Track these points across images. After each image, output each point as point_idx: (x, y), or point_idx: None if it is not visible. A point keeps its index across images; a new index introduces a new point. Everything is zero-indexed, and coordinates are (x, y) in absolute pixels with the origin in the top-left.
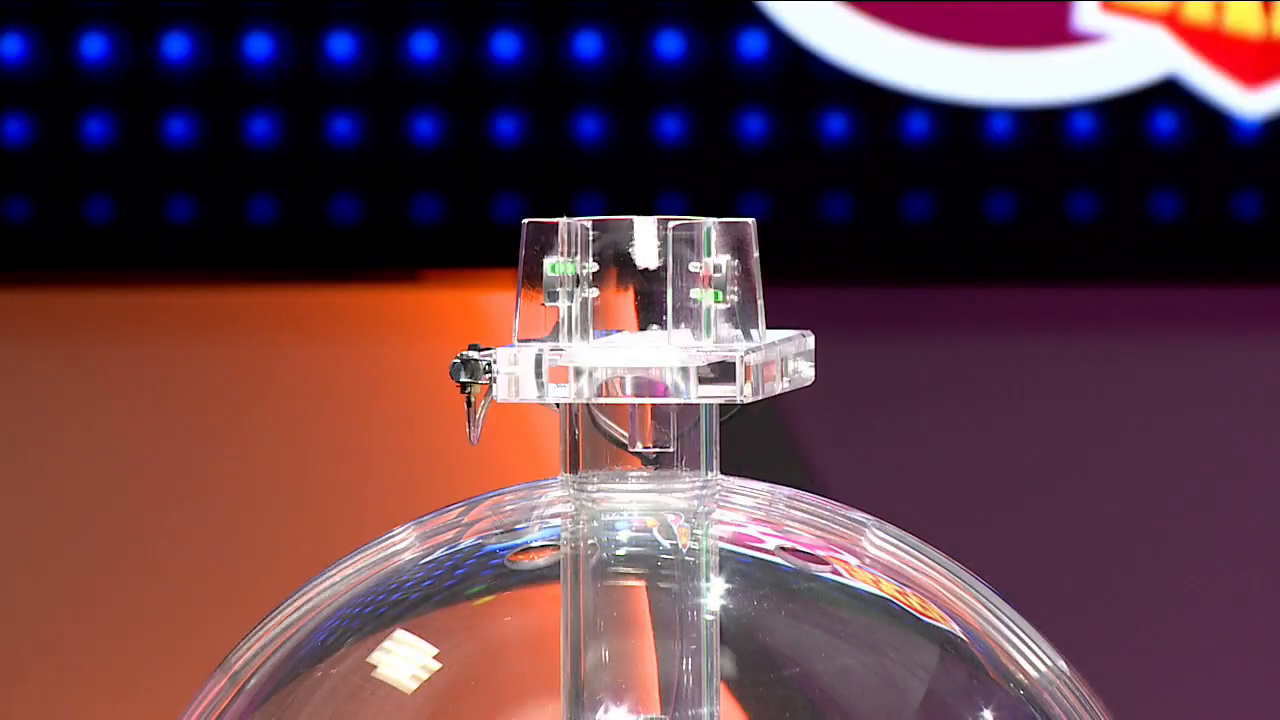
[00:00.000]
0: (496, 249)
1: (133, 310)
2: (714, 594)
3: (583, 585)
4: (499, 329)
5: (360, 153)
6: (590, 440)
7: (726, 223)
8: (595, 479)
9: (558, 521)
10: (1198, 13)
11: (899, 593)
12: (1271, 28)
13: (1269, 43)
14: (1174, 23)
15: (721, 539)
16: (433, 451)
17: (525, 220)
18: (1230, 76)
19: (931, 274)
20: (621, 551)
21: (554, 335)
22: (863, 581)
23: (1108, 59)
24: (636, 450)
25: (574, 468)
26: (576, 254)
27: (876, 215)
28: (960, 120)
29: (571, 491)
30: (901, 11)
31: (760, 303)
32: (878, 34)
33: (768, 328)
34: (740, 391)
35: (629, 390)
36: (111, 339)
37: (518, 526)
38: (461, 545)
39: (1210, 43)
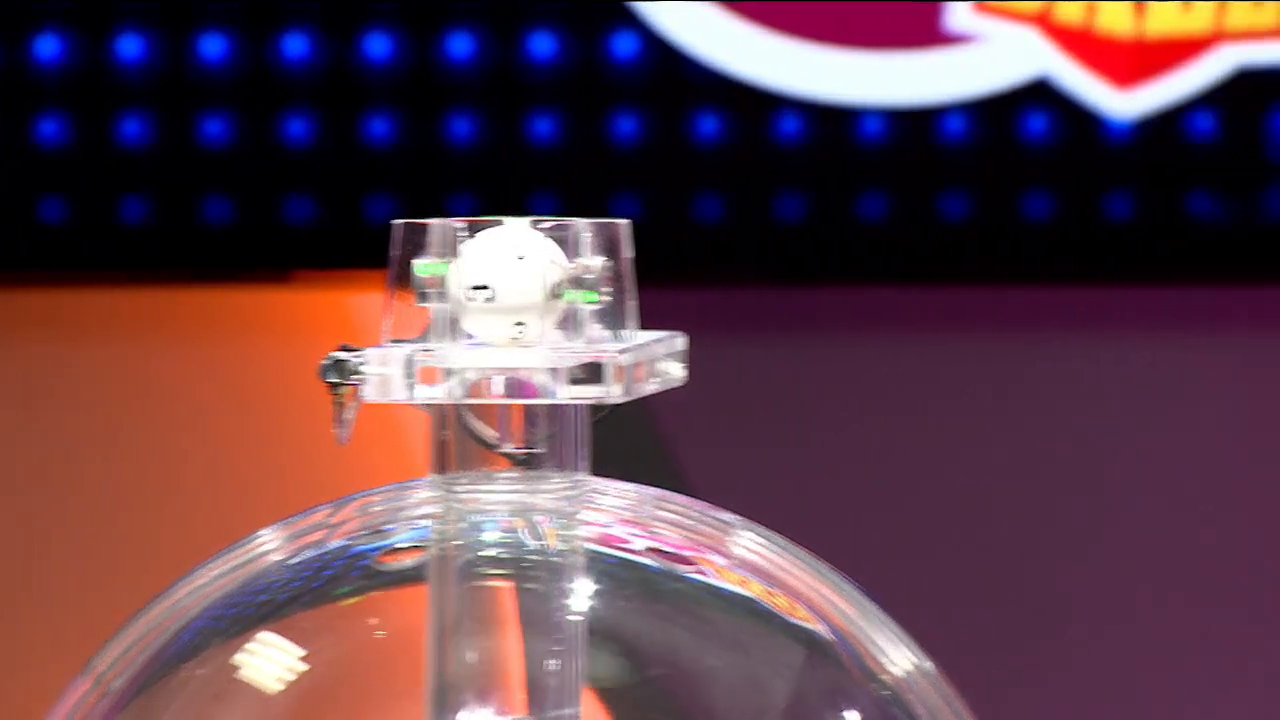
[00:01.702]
0: (368, 250)
1: (1, 312)
2: (580, 595)
3: (449, 586)
4: (371, 330)
5: (232, 153)
6: (460, 441)
7: (599, 223)
8: (464, 480)
9: (426, 522)
10: (1069, 13)
11: (766, 593)
12: (1142, 28)
13: (1140, 43)
14: (1045, 23)
15: (589, 540)
16: (303, 452)
17: (396, 221)
18: (1102, 77)
19: (804, 275)
20: (488, 552)
21: (425, 336)
22: (730, 582)
23: (979, 60)
24: (505, 451)
25: (443, 469)
26: (448, 255)
27: (749, 216)
28: (832, 121)
29: (440, 492)
30: (773, 12)
31: (632, 304)
32: (749, 35)
33: (641, 329)
34: (610, 392)
35: (498, 391)
36: None
37: (386, 528)
38: (329, 546)
39: (1081, 43)
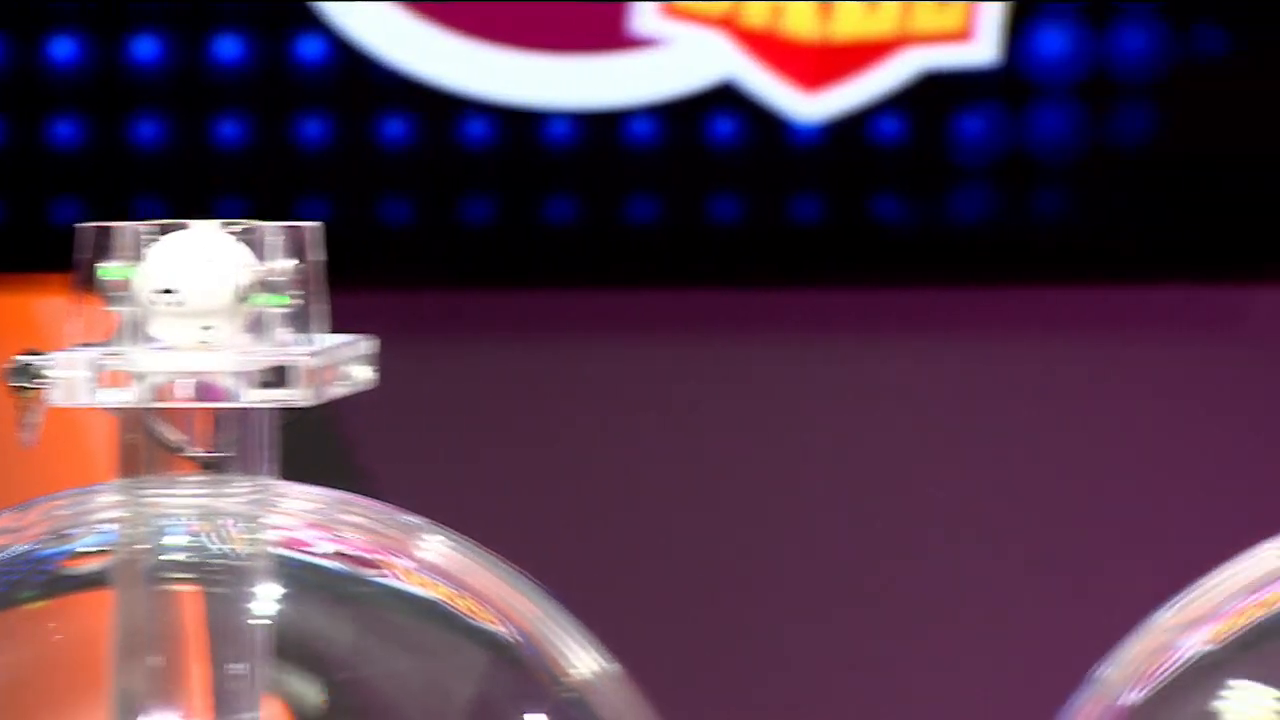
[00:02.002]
0: (54, 253)
1: None
2: (265, 599)
3: (134, 590)
4: (58, 334)
5: None
6: (147, 445)
7: (288, 227)
8: (150, 484)
9: (111, 527)
10: (754, 16)
11: (452, 596)
12: (828, 31)
13: (825, 46)
14: (731, 26)
15: (274, 543)
16: None
17: (81, 224)
18: (788, 80)
19: (493, 278)
20: (173, 556)
21: (112, 340)
22: (415, 585)
23: (666, 63)
24: (192, 455)
25: (130, 472)
26: (134, 258)
27: (437, 219)
28: (520, 124)
29: (126, 496)
30: (459, 15)
31: (321, 307)
32: (436, 38)
33: (333, 332)
34: (298, 395)
35: (185, 395)
36: None
37: (70, 532)
38: (13, 551)
39: (767, 46)
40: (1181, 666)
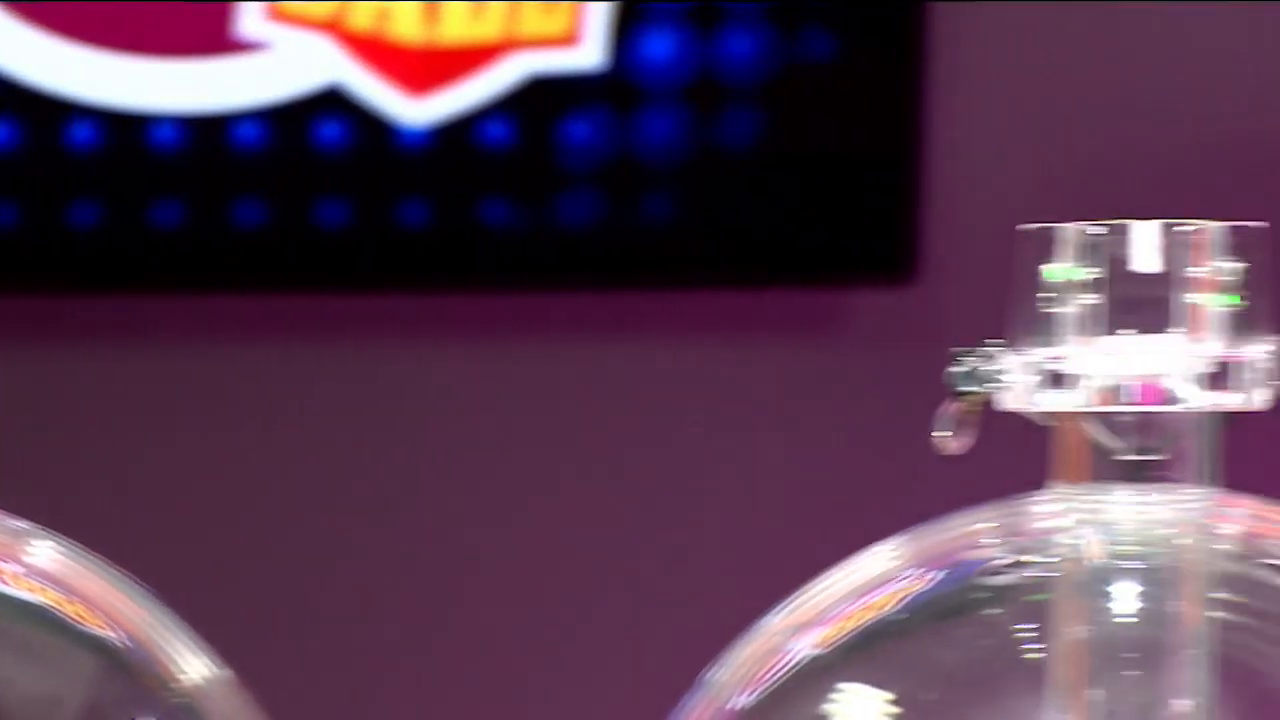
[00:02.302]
0: None
1: None
2: None
3: None
4: None
5: None
6: None
7: None
8: None
9: None
10: (360, 20)
11: (61, 601)
12: (434, 35)
13: (431, 50)
14: (337, 30)
15: None
16: None
17: None
18: (394, 84)
19: (98, 282)
20: None
21: None
22: (24, 590)
23: (271, 66)
24: None
25: None
26: None
27: (42, 223)
28: (125, 127)
29: None
30: (61, 17)
31: None
32: (39, 41)
33: None
34: None
35: None
36: None
37: None
38: None
39: (373, 50)
40: (791, 669)
